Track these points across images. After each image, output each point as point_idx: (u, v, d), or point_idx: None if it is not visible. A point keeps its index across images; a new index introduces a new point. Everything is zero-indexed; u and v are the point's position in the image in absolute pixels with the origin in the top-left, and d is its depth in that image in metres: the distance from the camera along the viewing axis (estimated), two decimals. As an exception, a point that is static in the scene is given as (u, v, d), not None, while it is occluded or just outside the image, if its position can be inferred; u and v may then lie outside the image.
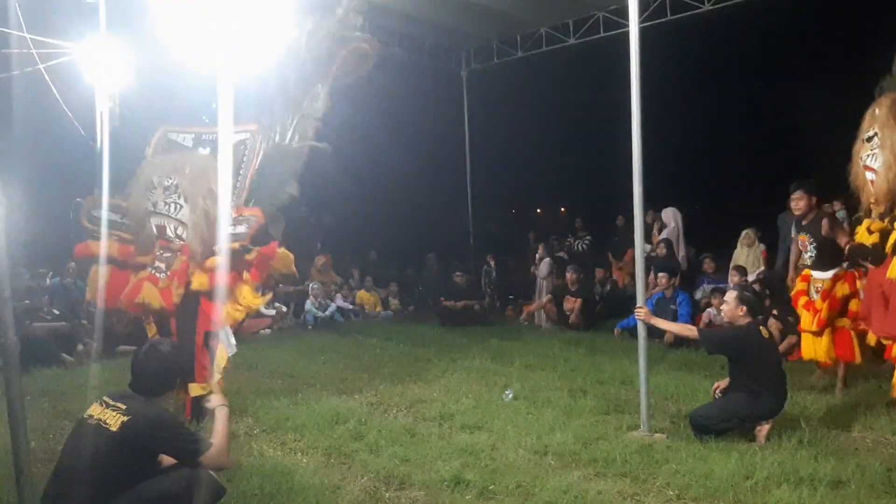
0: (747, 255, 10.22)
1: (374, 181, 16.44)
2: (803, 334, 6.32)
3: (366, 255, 14.53)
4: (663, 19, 10.91)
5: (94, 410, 3.11)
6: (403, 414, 5.67)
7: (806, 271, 6.38)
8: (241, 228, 5.35)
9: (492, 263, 13.15)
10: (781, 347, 6.86)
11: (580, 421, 5.24)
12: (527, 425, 5.14)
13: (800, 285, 6.38)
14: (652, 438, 4.80)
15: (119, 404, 3.11)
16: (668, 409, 5.62)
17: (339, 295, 11.86)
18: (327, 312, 11.14)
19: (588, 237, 12.32)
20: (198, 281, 5.31)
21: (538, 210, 25.00)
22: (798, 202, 6.16)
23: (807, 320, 6.19)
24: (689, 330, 5.63)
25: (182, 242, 5.40)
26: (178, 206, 5.43)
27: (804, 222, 6.18)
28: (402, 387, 6.52)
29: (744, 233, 10.46)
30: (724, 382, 5.15)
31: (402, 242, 15.83)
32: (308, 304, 11.08)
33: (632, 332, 7.30)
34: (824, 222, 5.92)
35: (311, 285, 11.41)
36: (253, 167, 5.56)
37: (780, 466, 4.12)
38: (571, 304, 10.07)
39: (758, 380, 4.81)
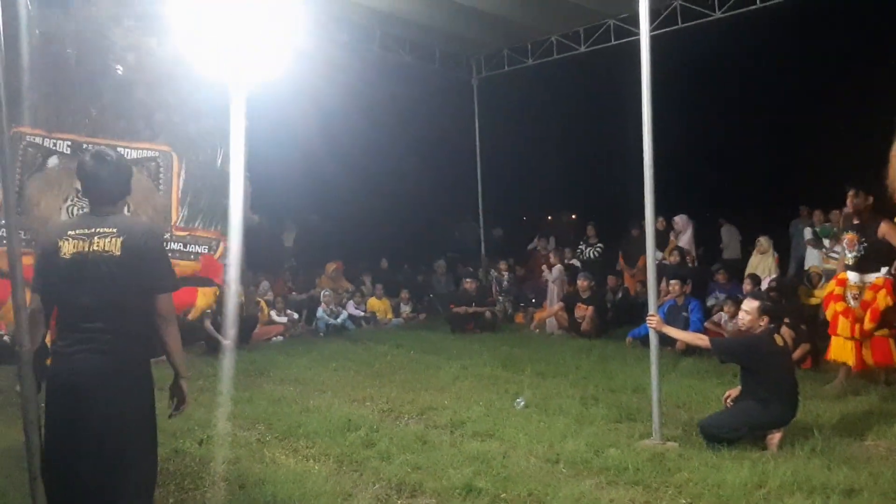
0: (760, 262, 10.20)
1: (385, 188, 16.48)
2: (835, 337, 6.26)
3: (377, 262, 14.55)
4: (674, 27, 10.89)
5: (77, 245, 2.85)
6: (415, 421, 5.67)
7: (842, 274, 6.34)
8: (198, 248, 5.37)
9: (503, 270, 13.14)
10: (795, 355, 6.81)
11: (592, 429, 5.23)
12: (538, 433, 5.13)
13: (836, 289, 6.33)
14: (664, 447, 4.78)
15: (102, 229, 2.88)
16: (680, 417, 5.59)
17: (350, 302, 11.88)
18: (339, 320, 11.14)
19: (600, 245, 12.29)
20: None
21: (549, 217, 25.05)
22: (865, 199, 6.14)
23: (844, 327, 6.12)
24: (700, 339, 5.53)
25: None
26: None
27: (856, 221, 6.21)
28: (414, 394, 6.53)
29: (757, 241, 10.45)
30: (735, 390, 5.12)
31: (413, 249, 15.85)
32: (320, 312, 11.10)
33: (643, 340, 7.28)
34: (883, 223, 5.92)
35: (322, 292, 11.44)
36: (176, 187, 5.54)
37: (793, 475, 4.10)
38: (583, 312, 10.02)
39: (769, 388, 4.78)
